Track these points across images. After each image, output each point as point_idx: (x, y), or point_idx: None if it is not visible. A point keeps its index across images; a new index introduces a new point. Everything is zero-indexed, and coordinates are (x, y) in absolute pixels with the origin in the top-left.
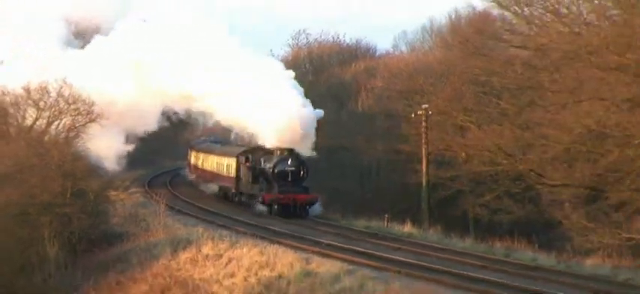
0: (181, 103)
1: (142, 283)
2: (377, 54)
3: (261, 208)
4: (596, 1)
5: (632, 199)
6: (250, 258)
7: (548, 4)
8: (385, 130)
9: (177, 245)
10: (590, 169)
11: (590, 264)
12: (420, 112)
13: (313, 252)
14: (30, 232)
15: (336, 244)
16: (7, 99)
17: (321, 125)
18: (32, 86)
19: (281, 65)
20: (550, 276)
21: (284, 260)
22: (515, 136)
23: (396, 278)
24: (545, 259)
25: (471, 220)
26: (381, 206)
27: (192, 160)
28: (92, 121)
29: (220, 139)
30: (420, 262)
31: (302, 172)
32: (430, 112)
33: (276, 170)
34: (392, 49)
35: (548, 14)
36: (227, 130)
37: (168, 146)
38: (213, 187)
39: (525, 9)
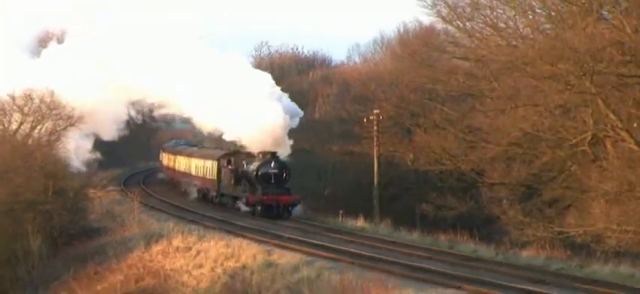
0: (154, 106)
1: (117, 273)
2: (332, 64)
3: (245, 208)
4: (530, 17)
5: (563, 196)
6: (217, 250)
7: (487, 19)
8: (340, 134)
9: (150, 239)
10: (526, 168)
11: (526, 255)
12: (371, 117)
13: (275, 244)
14: (15, 228)
15: (295, 237)
16: None
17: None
18: (17, 93)
19: (267, 74)
20: (489, 266)
21: (248, 252)
22: (458, 139)
23: (350, 268)
24: (485, 251)
25: (417, 215)
26: (336, 203)
27: (166, 162)
28: (72, 125)
29: (193, 142)
30: (371, 254)
31: (284, 175)
32: (381, 117)
33: (259, 173)
34: (346, 60)
35: (487, 28)
36: (197, 134)
37: (141, 149)
38: (192, 188)
39: (467, 23)
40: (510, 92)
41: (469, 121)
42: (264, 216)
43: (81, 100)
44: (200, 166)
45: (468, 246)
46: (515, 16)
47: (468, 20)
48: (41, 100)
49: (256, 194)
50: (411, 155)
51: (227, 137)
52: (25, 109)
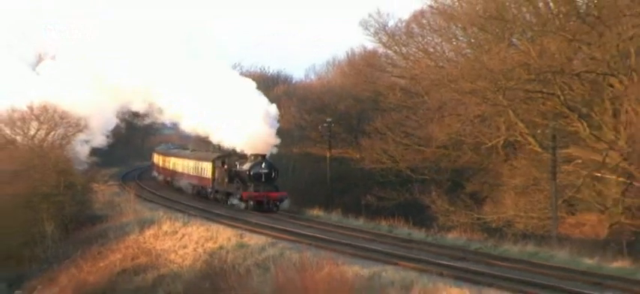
0: (149, 112)
1: (117, 252)
2: (293, 81)
3: (239, 203)
4: (454, 43)
5: (481, 189)
6: (198, 234)
7: (419, 44)
8: (299, 138)
9: (144, 224)
10: (451, 166)
11: (451, 237)
12: (325, 124)
13: (246, 229)
14: (33, 216)
15: (262, 223)
16: (16, 115)
17: None
18: (35, 105)
19: (250, 80)
20: (421, 246)
21: (224, 235)
22: (396, 143)
23: (307, 248)
24: (418, 234)
25: (363, 205)
26: (297, 196)
27: (161, 163)
28: (80, 130)
29: (183, 145)
30: (325, 237)
31: (273, 174)
32: (332, 124)
33: (251, 172)
34: (304, 78)
35: (419, 52)
36: (182, 138)
37: (136, 150)
38: (187, 186)
39: (403, 48)
40: (438, 104)
41: (405, 128)
42: (255, 210)
43: (74, 110)
44: (196, 167)
45: (404, 230)
46: (441, 42)
47: (404, 46)
48: (54, 111)
49: (249, 191)
50: (358, 155)
51: (220, 141)
52: (41, 118)
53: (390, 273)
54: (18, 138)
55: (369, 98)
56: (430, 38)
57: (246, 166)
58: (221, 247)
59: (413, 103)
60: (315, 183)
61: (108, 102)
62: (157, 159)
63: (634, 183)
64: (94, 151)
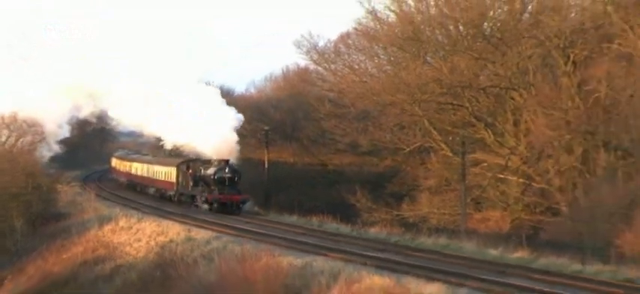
0: (103, 118)
1: (79, 245)
2: (235, 94)
3: (204, 205)
4: (376, 61)
5: (400, 189)
6: (151, 229)
7: (346, 62)
8: (240, 145)
9: (102, 220)
10: (374, 169)
11: (373, 231)
12: (263, 132)
13: (193, 224)
14: (3, 213)
15: (208, 219)
16: None
17: None
18: (5, 114)
19: (215, 89)
20: (347, 239)
21: (173, 230)
22: (325, 148)
23: (247, 241)
24: (344, 229)
25: (296, 203)
26: None
27: (121, 168)
28: (45, 138)
29: (143, 151)
30: (263, 231)
31: (236, 178)
32: (269, 132)
33: (216, 176)
34: (245, 91)
35: (346, 69)
36: (138, 144)
37: (95, 155)
38: (150, 189)
39: (331, 65)
40: (362, 115)
41: (333, 135)
42: (219, 211)
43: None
44: (159, 171)
45: (332, 225)
46: (365, 60)
47: (332, 63)
48: (23, 120)
49: (213, 194)
50: (292, 159)
51: (183, 147)
52: (11, 127)
53: (319, 263)
54: None
55: (301, 109)
56: (355, 56)
57: (210, 171)
58: (171, 241)
59: (340, 113)
60: (255, 184)
61: (60, 108)
62: (116, 163)
63: (532, 184)
64: (55, 157)
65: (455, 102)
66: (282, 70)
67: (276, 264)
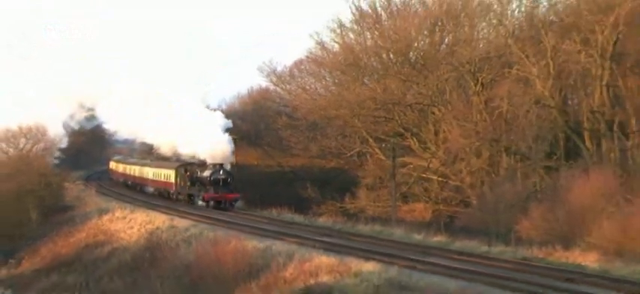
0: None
1: (82, 232)
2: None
3: (201, 203)
4: (324, 82)
5: (344, 186)
6: (141, 218)
7: (299, 83)
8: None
9: (102, 212)
10: (322, 170)
11: (321, 220)
12: (232, 140)
13: (175, 215)
14: (21, 206)
15: (187, 211)
16: (9, 133)
17: None
18: (23, 125)
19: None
20: (301, 226)
21: (159, 219)
22: (283, 152)
23: (219, 229)
24: (299, 218)
25: (259, 198)
26: None
27: (121, 170)
28: (56, 144)
29: (137, 155)
30: (232, 220)
31: (229, 179)
32: (237, 140)
33: (212, 178)
34: (217, 106)
35: (299, 89)
36: (131, 150)
37: (96, 159)
38: (150, 188)
39: (287, 86)
40: (312, 126)
41: (289, 142)
42: (215, 208)
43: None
44: (160, 173)
45: (288, 216)
46: (314, 82)
47: (288, 84)
48: (36, 129)
49: (209, 193)
50: (256, 162)
51: (180, 151)
52: (28, 136)
53: (278, 246)
54: (10, 150)
55: (263, 121)
56: (306, 79)
57: (206, 173)
58: (157, 228)
59: (294, 125)
60: None
61: (61, 114)
62: (115, 166)
63: (449, 181)
64: (62, 160)
65: (387, 116)
66: (248, 90)
67: (243, 247)
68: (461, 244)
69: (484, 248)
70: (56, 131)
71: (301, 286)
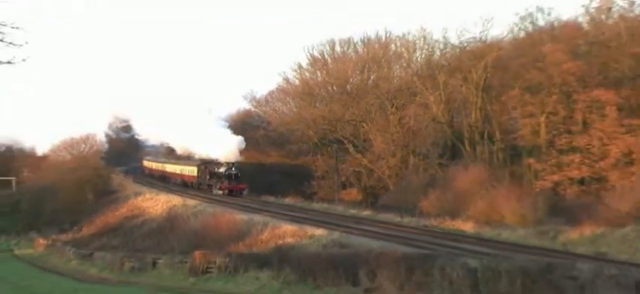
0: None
1: (123, 208)
2: None
3: (219, 192)
4: (288, 105)
5: (303, 177)
6: (164, 199)
7: (272, 107)
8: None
9: (137, 194)
10: (289, 165)
11: (287, 200)
12: None
13: (187, 197)
14: (81, 190)
15: (195, 194)
16: (74, 141)
17: None
18: (82, 134)
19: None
20: (273, 205)
21: (176, 200)
22: (266, 157)
23: (217, 206)
24: (272, 199)
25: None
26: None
27: (153, 166)
28: (101, 148)
29: (158, 156)
30: (227, 201)
31: (238, 174)
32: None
33: (226, 173)
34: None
35: (271, 110)
36: (156, 152)
37: (132, 158)
38: (177, 180)
39: (263, 108)
40: (281, 136)
41: (264, 146)
42: (229, 195)
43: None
44: (185, 169)
45: (265, 198)
46: (282, 105)
47: (264, 107)
48: (87, 137)
49: (225, 184)
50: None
51: (200, 153)
52: (85, 142)
53: (257, 217)
54: (74, 152)
55: (246, 132)
56: (277, 103)
57: (222, 169)
58: (175, 206)
59: (269, 135)
60: None
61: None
62: (147, 163)
63: (374, 173)
64: (108, 158)
65: (331, 129)
66: (236, 111)
67: (233, 218)
68: (383, 216)
69: (398, 219)
70: (102, 138)
71: (273, 245)
